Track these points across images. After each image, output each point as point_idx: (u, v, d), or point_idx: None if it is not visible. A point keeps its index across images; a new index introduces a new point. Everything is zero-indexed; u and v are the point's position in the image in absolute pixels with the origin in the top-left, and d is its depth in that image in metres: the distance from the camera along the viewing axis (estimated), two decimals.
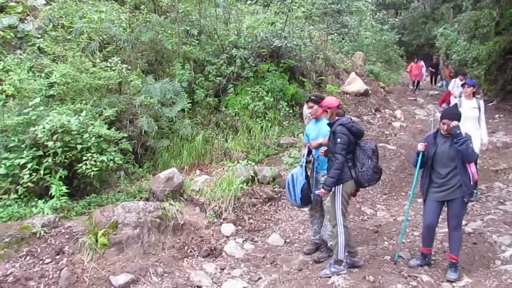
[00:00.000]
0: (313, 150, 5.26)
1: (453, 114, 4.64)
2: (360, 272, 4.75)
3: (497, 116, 14.37)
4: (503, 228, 5.77)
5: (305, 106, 10.42)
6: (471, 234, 5.61)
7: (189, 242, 5.51)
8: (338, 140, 4.53)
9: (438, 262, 5.02)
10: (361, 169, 4.61)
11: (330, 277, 4.69)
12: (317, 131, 5.25)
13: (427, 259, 4.91)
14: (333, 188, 4.65)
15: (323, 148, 4.90)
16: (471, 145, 4.45)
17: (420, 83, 19.52)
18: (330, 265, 4.82)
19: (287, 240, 6.06)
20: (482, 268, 4.88)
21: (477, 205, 6.90)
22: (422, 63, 19.21)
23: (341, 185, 4.64)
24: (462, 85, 7.79)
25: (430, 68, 21.06)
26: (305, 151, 5.44)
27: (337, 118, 4.76)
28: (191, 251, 5.43)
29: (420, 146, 4.70)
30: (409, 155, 10.11)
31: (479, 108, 7.00)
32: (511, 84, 16.17)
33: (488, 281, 4.50)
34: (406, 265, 4.92)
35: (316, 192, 4.92)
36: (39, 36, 8.27)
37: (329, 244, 5.28)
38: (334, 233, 4.74)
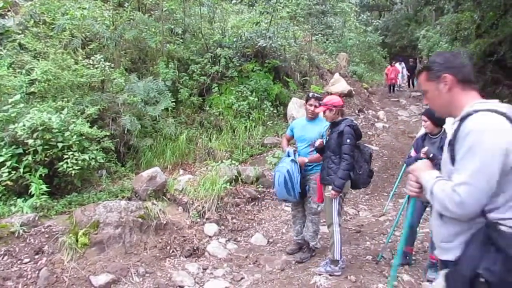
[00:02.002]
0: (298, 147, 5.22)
1: (431, 112, 4.71)
2: (342, 271, 4.77)
3: None
4: None
5: (290, 106, 10.49)
6: None
7: (172, 242, 5.46)
8: (348, 141, 4.46)
9: (418, 261, 5.06)
10: (359, 171, 4.57)
11: (322, 275, 4.69)
12: (311, 130, 5.10)
13: (407, 258, 4.94)
14: (328, 187, 4.61)
15: (319, 141, 4.76)
16: None
17: (396, 87, 19.64)
18: (326, 263, 4.80)
19: (270, 240, 6.06)
20: None
21: None
22: (400, 66, 19.38)
23: None
24: None
25: (406, 71, 21.13)
26: (285, 143, 5.46)
27: (341, 118, 4.69)
28: (173, 251, 5.39)
29: (422, 153, 4.61)
30: (393, 156, 10.23)
31: None
32: (492, 86, 16.45)
33: None
34: (387, 265, 4.95)
35: (326, 194, 4.77)
36: (20, 32, 8.12)
37: (311, 245, 5.28)
38: (330, 232, 4.72)
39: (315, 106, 4.94)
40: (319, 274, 4.72)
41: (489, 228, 1.76)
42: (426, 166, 2.04)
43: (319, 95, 5.13)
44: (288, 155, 5.07)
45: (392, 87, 19.16)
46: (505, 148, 1.72)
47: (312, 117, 5.10)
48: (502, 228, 1.73)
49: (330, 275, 4.68)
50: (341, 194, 4.64)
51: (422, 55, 25.65)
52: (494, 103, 1.86)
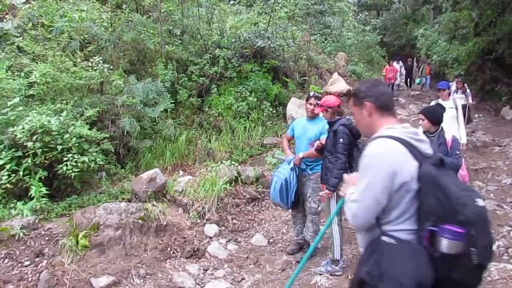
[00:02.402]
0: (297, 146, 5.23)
1: (428, 111, 4.75)
2: (343, 271, 4.76)
3: (476, 116, 14.59)
4: None
5: (289, 107, 10.49)
6: None
7: (172, 243, 5.46)
8: (341, 140, 4.48)
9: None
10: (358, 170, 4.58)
11: (322, 274, 4.71)
12: (310, 128, 5.14)
13: None
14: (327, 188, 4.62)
15: (318, 142, 4.81)
16: (445, 160, 4.46)
17: (395, 86, 19.60)
18: (327, 263, 4.81)
19: (271, 241, 6.05)
20: None
21: None
22: (398, 65, 19.32)
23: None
24: (438, 90, 7.87)
25: (404, 70, 21.04)
26: (286, 144, 5.46)
27: (337, 117, 4.71)
28: (174, 252, 5.38)
29: None
30: None
31: (456, 108, 7.12)
32: (490, 84, 16.48)
33: None
34: None
35: (320, 193, 4.84)
36: (18, 35, 8.11)
37: (311, 245, 5.28)
38: (329, 232, 4.74)
39: (315, 105, 4.96)
40: (320, 274, 4.73)
41: (379, 238, 2.06)
42: (353, 180, 2.23)
43: (319, 95, 5.14)
44: (288, 163, 5.08)
45: (391, 87, 18.96)
46: (393, 170, 1.98)
47: (312, 116, 5.12)
48: (385, 239, 2.03)
49: (331, 275, 4.68)
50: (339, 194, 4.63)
51: (421, 54, 25.65)
52: (397, 129, 2.10)
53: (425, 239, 1.94)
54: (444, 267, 1.93)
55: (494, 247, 5.21)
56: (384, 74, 19.16)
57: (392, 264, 1.98)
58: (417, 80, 20.21)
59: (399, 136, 2.06)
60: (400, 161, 2.00)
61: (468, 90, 10.07)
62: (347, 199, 2.17)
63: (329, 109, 4.68)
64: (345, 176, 2.42)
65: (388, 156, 2.02)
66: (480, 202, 1.90)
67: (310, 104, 5.05)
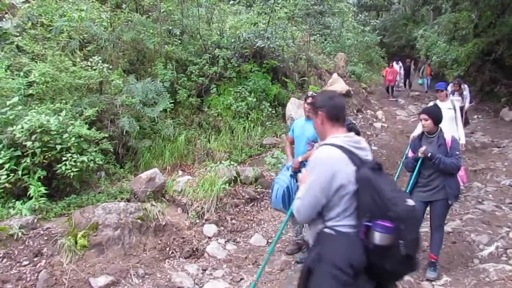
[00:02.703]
0: (296, 153, 5.22)
1: (431, 111, 4.75)
2: None
3: (475, 116, 14.63)
4: (481, 227, 5.87)
5: (288, 107, 10.49)
6: (450, 233, 5.70)
7: (171, 243, 5.46)
8: None
9: (417, 261, 5.06)
10: None
11: None
12: (304, 131, 5.16)
13: None
14: None
15: (317, 145, 4.81)
16: (445, 160, 4.47)
17: (395, 87, 19.55)
18: None
19: (269, 241, 6.05)
20: (460, 266, 4.96)
21: (456, 205, 7.01)
22: (397, 66, 19.27)
23: None
24: (436, 91, 7.88)
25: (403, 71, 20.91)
26: (288, 148, 5.45)
27: None
28: (172, 252, 5.39)
29: (420, 153, 4.60)
30: (391, 156, 10.23)
31: (454, 109, 7.14)
32: (490, 85, 16.50)
33: (467, 279, 4.58)
34: None
35: None
36: (18, 34, 8.09)
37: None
38: None
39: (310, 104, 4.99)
40: None
41: (322, 230, 2.41)
42: (304, 179, 2.49)
43: (316, 94, 5.15)
44: (287, 169, 5.07)
45: (391, 89, 18.75)
46: (331, 174, 2.31)
47: (309, 116, 5.13)
48: (326, 230, 2.38)
49: None
50: None
51: (420, 55, 25.66)
52: (340, 138, 2.44)
53: (362, 233, 2.27)
54: (377, 257, 2.24)
55: (493, 248, 5.23)
56: (383, 75, 19.12)
57: (330, 249, 2.33)
58: (419, 81, 20.10)
59: (340, 144, 2.39)
60: (338, 166, 2.34)
61: (465, 92, 10.07)
62: (296, 197, 2.50)
63: None
64: (299, 175, 2.77)
65: (329, 161, 2.36)
66: (410, 202, 2.26)
67: (308, 104, 5.07)
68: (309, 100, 5.06)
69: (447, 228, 5.75)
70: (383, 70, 18.91)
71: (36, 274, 4.46)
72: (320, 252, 2.36)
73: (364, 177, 2.30)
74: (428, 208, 4.79)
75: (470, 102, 10.53)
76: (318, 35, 18.15)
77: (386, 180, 2.38)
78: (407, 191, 4.83)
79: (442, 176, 4.55)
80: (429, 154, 4.49)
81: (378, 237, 2.21)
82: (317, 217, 2.43)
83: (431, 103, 7.78)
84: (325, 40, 19.26)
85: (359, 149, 2.44)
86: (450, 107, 7.06)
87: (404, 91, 20.02)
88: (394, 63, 19.36)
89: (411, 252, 2.23)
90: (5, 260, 4.53)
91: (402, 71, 19.48)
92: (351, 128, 4.57)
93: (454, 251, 5.30)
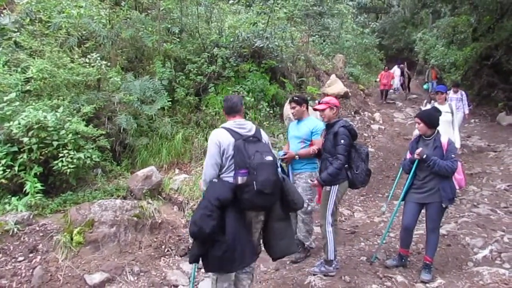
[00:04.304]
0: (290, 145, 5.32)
1: (424, 115, 4.79)
2: (337, 272, 4.80)
3: (472, 121, 14.70)
4: (476, 230, 5.91)
5: (285, 107, 10.50)
6: (445, 236, 5.73)
7: (167, 241, 5.49)
8: (342, 141, 4.57)
9: (412, 263, 5.11)
10: (356, 171, 4.68)
11: (316, 275, 4.75)
12: (297, 131, 5.28)
13: (403, 260, 4.98)
14: (328, 187, 4.70)
15: (314, 148, 4.95)
16: (440, 163, 4.50)
17: (394, 91, 19.39)
18: (321, 264, 4.85)
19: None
20: (455, 269, 4.99)
21: (451, 208, 7.06)
22: (398, 69, 19.19)
23: (337, 185, 4.69)
24: (436, 93, 7.95)
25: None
26: (286, 147, 5.51)
27: (336, 119, 4.83)
28: (168, 250, 5.41)
29: (416, 154, 4.65)
30: (388, 158, 10.28)
31: (451, 112, 7.18)
32: (487, 89, 16.56)
33: (461, 282, 4.60)
34: (381, 266, 5.00)
35: (309, 180, 4.98)
36: (16, 30, 8.08)
37: (306, 245, 5.31)
38: (322, 233, 4.80)
39: (293, 108, 5.29)
40: (314, 274, 4.75)
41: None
42: None
43: (297, 98, 5.34)
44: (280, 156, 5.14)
45: (385, 94, 18.26)
46: (217, 142, 3.62)
47: (298, 118, 5.35)
48: (214, 180, 3.62)
49: (324, 275, 4.71)
50: (338, 195, 4.70)
51: (419, 58, 25.73)
52: (228, 123, 3.82)
53: (234, 179, 3.54)
54: (240, 191, 3.45)
55: (487, 252, 5.26)
56: (377, 80, 18.89)
57: (209, 189, 3.56)
58: (425, 86, 19.61)
59: (226, 126, 3.76)
60: (221, 138, 3.64)
61: (464, 98, 10.00)
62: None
63: (334, 108, 4.85)
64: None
65: (216, 136, 3.67)
66: (268, 157, 3.52)
67: (292, 107, 5.32)
68: (292, 104, 5.30)
69: (442, 231, 5.78)
70: (379, 75, 18.62)
71: (31, 270, 4.48)
72: (205, 193, 3.61)
73: (237, 145, 3.58)
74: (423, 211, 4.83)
75: (468, 106, 10.55)
76: (317, 36, 18.18)
77: (257, 146, 3.62)
78: (403, 192, 4.89)
79: (437, 178, 4.58)
80: (424, 156, 4.54)
81: (240, 179, 3.47)
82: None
83: (428, 105, 7.86)
84: (324, 41, 19.30)
85: (239, 128, 3.75)
86: (447, 111, 7.11)
87: (402, 94, 20.03)
88: (395, 66, 19.33)
89: (262, 189, 3.39)
90: (0, 255, 4.54)
91: (403, 74, 19.41)
92: (351, 130, 4.69)
93: (448, 254, 5.33)
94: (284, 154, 5.11)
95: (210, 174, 3.62)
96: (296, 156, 5.07)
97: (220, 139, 3.62)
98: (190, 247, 3.94)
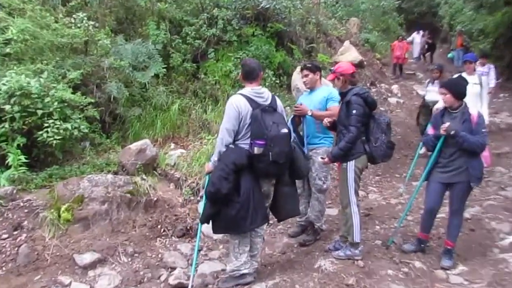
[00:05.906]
0: (305, 124, 5.23)
1: (451, 84, 4.74)
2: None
3: (501, 95, 14.60)
4: (502, 215, 5.95)
5: (294, 77, 10.48)
6: (469, 220, 5.78)
7: (163, 221, 5.59)
8: (354, 111, 4.48)
9: (432, 248, 5.14)
10: (375, 144, 4.60)
11: (343, 259, 4.75)
12: (309, 103, 5.25)
13: (422, 245, 4.98)
14: (344, 164, 4.67)
15: (328, 119, 4.85)
16: (470, 138, 4.43)
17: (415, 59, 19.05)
18: (345, 247, 4.84)
19: (270, 222, 6.14)
20: (478, 256, 5.01)
21: (476, 190, 7.10)
22: (418, 36, 18.84)
23: (353, 160, 4.62)
24: (464, 62, 7.92)
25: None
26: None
27: (350, 87, 4.71)
28: (164, 231, 5.51)
29: (443, 130, 4.52)
30: (407, 135, 10.32)
31: (480, 84, 7.18)
32: None
33: (484, 270, 4.61)
34: (398, 250, 5.02)
35: (319, 158, 4.97)
36: None
37: (316, 226, 5.39)
38: (348, 214, 4.75)
39: (306, 76, 5.26)
40: (337, 258, 4.76)
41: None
42: None
43: (310, 65, 5.30)
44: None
45: (399, 68, 17.49)
46: (237, 111, 4.05)
47: (310, 88, 5.35)
48: (231, 145, 4.10)
49: (349, 259, 4.73)
50: (356, 170, 4.66)
51: (443, 23, 25.45)
52: (246, 90, 4.23)
53: (250, 147, 4.05)
54: (255, 160, 4.00)
55: None
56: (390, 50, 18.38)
57: (225, 154, 4.07)
58: (449, 55, 19.30)
59: (244, 93, 4.17)
60: (240, 106, 4.07)
61: (491, 72, 9.90)
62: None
63: (341, 77, 4.72)
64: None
65: (235, 102, 4.10)
66: (283, 130, 4.05)
67: (304, 76, 5.29)
68: (305, 71, 5.26)
69: (465, 214, 5.79)
70: (392, 44, 18.04)
71: (16, 248, 4.59)
72: (220, 157, 4.10)
73: (254, 115, 4.05)
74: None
75: (497, 80, 10.46)
76: None
77: (274, 117, 4.10)
78: (426, 171, 4.88)
79: (465, 156, 4.51)
80: (453, 132, 4.46)
81: (256, 149, 3.98)
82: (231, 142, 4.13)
83: (429, 87, 7.82)
84: (337, 3, 19.08)
85: (257, 97, 4.18)
86: (476, 82, 7.11)
87: (422, 64, 19.90)
88: (415, 33, 19.06)
89: (277, 159, 3.98)
90: None
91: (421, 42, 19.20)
92: (367, 98, 4.64)
93: (472, 239, 5.36)
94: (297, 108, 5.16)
95: (226, 140, 4.09)
96: (309, 112, 5.05)
97: (239, 105, 4.07)
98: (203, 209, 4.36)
